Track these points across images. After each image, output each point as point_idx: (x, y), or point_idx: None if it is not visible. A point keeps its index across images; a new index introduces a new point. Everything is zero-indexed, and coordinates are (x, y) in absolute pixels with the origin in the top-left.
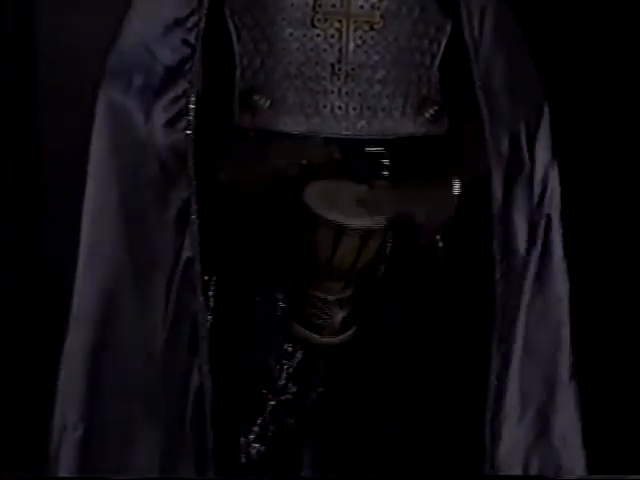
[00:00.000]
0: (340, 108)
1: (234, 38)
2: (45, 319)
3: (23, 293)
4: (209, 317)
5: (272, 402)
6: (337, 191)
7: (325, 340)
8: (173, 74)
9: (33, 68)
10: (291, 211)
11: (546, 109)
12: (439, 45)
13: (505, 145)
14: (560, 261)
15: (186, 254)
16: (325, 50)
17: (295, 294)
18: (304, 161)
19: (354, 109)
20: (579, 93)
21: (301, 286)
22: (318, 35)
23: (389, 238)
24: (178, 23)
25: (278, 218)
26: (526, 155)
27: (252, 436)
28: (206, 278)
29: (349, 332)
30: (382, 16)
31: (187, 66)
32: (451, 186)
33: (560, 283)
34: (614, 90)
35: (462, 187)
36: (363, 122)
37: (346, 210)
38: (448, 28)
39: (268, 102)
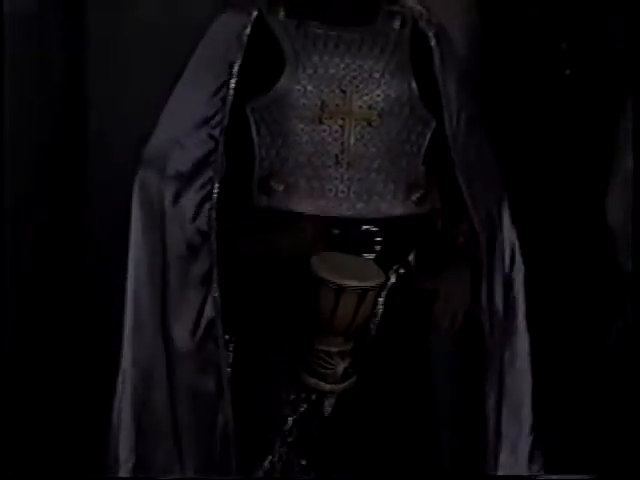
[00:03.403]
0: (342, 192)
1: (254, 132)
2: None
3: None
4: (229, 370)
5: (279, 443)
6: (338, 260)
7: (329, 387)
8: (200, 164)
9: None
10: (299, 277)
11: (504, 191)
12: (425, 138)
13: (483, 219)
14: (522, 318)
15: (209, 315)
16: (330, 143)
17: (303, 348)
18: (311, 236)
19: (354, 193)
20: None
21: (308, 341)
22: (324, 130)
23: (383, 299)
24: (205, 121)
25: (288, 283)
26: (498, 228)
27: (261, 472)
28: (227, 337)
29: (351, 380)
30: (379, 115)
31: (212, 158)
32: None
33: (523, 339)
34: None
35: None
36: (361, 204)
37: (345, 274)
38: (432, 124)
39: (282, 186)
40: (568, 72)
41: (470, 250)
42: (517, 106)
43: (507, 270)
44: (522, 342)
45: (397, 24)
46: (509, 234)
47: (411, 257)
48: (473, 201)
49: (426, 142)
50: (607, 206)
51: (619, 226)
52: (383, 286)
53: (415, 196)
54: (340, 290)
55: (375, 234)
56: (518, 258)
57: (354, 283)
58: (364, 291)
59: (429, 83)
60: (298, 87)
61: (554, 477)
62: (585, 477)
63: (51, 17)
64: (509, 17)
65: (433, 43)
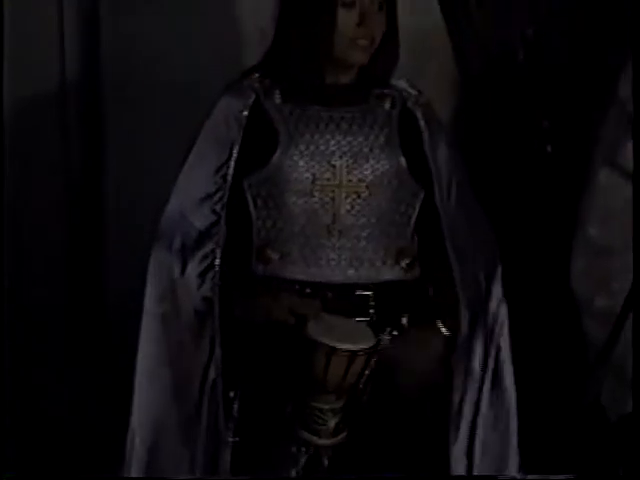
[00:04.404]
0: (333, 260)
1: (251, 205)
2: None
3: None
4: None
5: None
6: (330, 322)
7: (322, 442)
8: (203, 237)
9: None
10: (294, 340)
11: (498, 259)
12: (414, 208)
13: (471, 287)
14: (510, 382)
15: (212, 376)
16: (322, 214)
17: (299, 405)
18: (305, 302)
19: (344, 260)
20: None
21: (303, 398)
22: (316, 202)
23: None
24: (208, 196)
25: (284, 344)
26: (484, 292)
27: None
28: (232, 394)
29: (342, 435)
30: (367, 187)
31: (214, 230)
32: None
33: (510, 398)
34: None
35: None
36: (352, 271)
37: (336, 337)
38: (421, 195)
39: (278, 255)
40: (549, 149)
41: (449, 316)
42: (500, 181)
43: (489, 333)
44: (507, 403)
45: (387, 105)
46: (497, 297)
47: (404, 320)
48: (460, 268)
49: (416, 211)
50: (571, 272)
51: (583, 292)
52: (375, 347)
53: (404, 262)
54: (331, 352)
55: (368, 298)
56: (505, 324)
57: (344, 346)
58: (354, 353)
59: (418, 158)
60: (290, 163)
61: (536, 477)
62: (566, 477)
63: (71, 98)
64: (493, 97)
65: (422, 122)
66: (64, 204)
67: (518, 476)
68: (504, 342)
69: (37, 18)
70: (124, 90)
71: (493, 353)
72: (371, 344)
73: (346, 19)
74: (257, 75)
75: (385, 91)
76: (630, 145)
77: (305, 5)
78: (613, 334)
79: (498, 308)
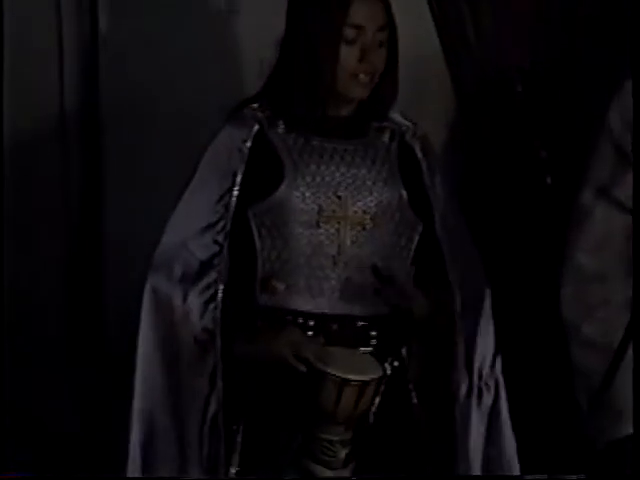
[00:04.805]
0: (338, 291)
1: (256, 235)
2: None
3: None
4: (238, 457)
5: None
6: (338, 354)
7: (332, 473)
8: (205, 267)
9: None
10: (303, 372)
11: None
12: (413, 241)
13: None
14: (507, 418)
15: (213, 409)
16: (327, 245)
17: (307, 437)
18: (307, 341)
19: (348, 292)
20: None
21: (312, 430)
22: (321, 233)
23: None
24: (210, 226)
25: (290, 378)
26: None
27: None
28: (234, 427)
29: (351, 465)
30: (371, 219)
31: (216, 261)
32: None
33: (508, 436)
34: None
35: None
36: (355, 302)
37: (346, 368)
38: (420, 228)
39: (283, 286)
40: (549, 180)
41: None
42: (500, 212)
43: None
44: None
45: (386, 138)
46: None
47: (404, 351)
48: (460, 292)
49: (414, 244)
50: (560, 299)
51: (571, 319)
52: (381, 378)
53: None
54: (343, 383)
55: (370, 329)
56: (498, 361)
57: (356, 377)
58: (364, 384)
59: (417, 191)
60: (297, 194)
61: (544, 477)
62: (577, 477)
63: (70, 136)
64: (491, 127)
65: (420, 155)
66: (64, 242)
67: (526, 476)
68: (500, 378)
69: (37, 50)
70: (123, 120)
71: (490, 395)
72: (380, 374)
73: (348, 55)
74: (257, 105)
75: (384, 124)
76: (623, 176)
77: (309, 39)
78: (608, 375)
79: (496, 345)
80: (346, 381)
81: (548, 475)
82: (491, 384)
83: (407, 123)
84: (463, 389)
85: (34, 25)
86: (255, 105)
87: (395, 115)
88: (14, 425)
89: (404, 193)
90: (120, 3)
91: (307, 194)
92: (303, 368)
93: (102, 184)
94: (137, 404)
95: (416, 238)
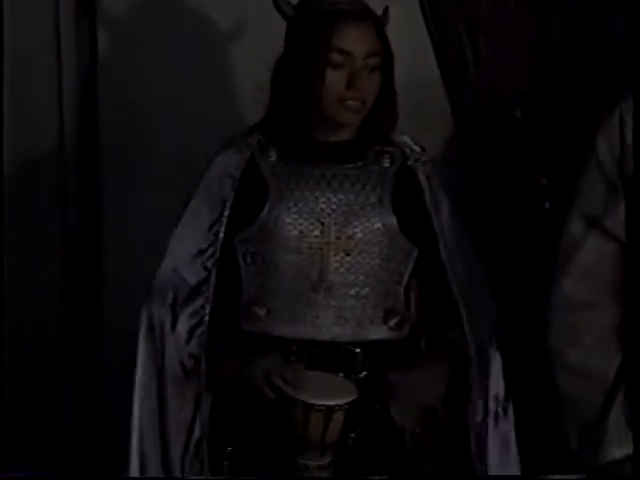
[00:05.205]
0: (320, 317)
1: (241, 261)
2: None
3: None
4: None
5: None
6: (309, 379)
7: None
8: (194, 292)
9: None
10: (276, 398)
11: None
12: (407, 267)
13: (472, 348)
14: (515, 451)
15: (197, 435)
16: (309, 271)
17: (284, 463)
18: (285, 368)
19: (331, 318)
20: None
21: (288, 456)
22: (304, 259)
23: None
24: (200, 252)
25: (267, 403)
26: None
27: None
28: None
29: None
30: (356, 245)
31: (204, 287)
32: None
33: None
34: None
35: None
36: (338, 329)
37: (314, 393)
38: (414, 254)
39: (265, 311)
40: (547, 206)
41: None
42: (498, 238)
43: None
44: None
45: (386, 162)
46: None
47: (392, 376)
48: (468, 313)
49: (409, 270)
50: (546, 327)
51: (556, 346)
52: (353, 403)
53: (393, 322)
54: (309, 408)
55: (355, 354)
56: (500, 383)
57: (322, 401)
58: (329, 409)
59: (416, 216)
60: (279, 220)
61: (548, 477)
62: (578, 477)
63: (69, 158)
64: (490, 153)
65: (423, 179)
66: (62, 260)
67: (526, 476)
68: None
69: (37, 83)
70: (122, 152)
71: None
72: (350, 399)
73: (334, 80)
74: (256, 133)
75: (385, 148)
76: (614, 207)
77: (297, 64)
78: (604, 409)
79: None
80: (311, 406)
81: (548, 475)
82: (508, 408)
83: (414, 147)
84: (479, 415)
85: (33, 48)
86: (254, 134)
87: (402, 137)
88: (14, 425)
89: (394, 219)
90: (119, 29)
91: (287, 220)
92: (272, 395)
93: (101, 218)
94: (135, 421)
95: (410, 264)
